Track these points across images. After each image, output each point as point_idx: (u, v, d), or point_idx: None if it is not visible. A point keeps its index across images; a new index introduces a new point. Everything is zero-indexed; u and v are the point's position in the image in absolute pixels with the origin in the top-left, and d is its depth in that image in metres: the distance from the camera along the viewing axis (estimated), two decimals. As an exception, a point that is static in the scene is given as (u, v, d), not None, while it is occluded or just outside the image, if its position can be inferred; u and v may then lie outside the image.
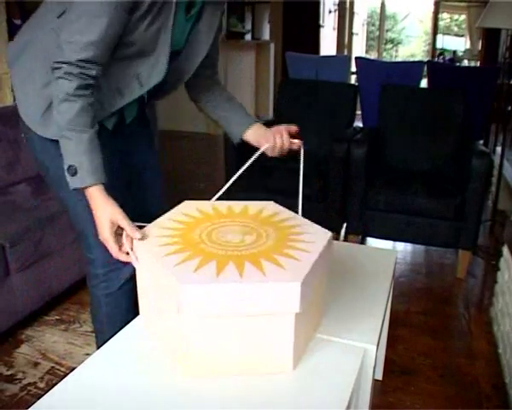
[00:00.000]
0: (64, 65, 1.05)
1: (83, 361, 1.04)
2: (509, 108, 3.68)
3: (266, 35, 7.51)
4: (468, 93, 3.03)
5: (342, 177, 2.73)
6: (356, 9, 10.08)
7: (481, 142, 3.66)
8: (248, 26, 7.22)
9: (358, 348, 1.11)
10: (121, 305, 1.43)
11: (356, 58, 4.56)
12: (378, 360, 1.45)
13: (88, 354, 1.60)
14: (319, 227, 1.17)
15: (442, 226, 2.59)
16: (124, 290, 1.41)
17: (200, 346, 0.96)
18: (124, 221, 1.08)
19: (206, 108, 1.45)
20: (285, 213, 1.25)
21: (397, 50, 17.19)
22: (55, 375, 1.81)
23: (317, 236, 1.12)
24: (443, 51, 10.40)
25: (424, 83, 4.56)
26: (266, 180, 2.85)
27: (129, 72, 1.20)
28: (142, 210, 1.43)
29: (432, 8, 10.26)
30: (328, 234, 1.13)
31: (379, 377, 1.78)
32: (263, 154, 1.35)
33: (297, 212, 1.26)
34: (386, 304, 1.38)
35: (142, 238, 1.07)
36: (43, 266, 2.08)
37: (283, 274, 0.95)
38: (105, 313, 1.45)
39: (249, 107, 6.72)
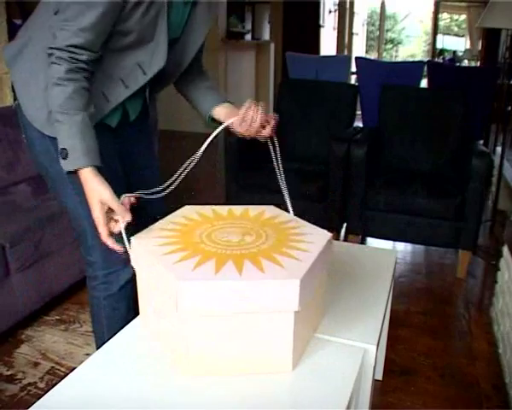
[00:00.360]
0: (55, 50, 1.06)
1: (83, 361, 1.04)
2: (509, 108, 3.68)
3: (266, 35, 7.51)
4: (468, 93, 3.03)
5: (342, 177, 2.73)
6: (356, 9, 10.08)
7: (481, 142, 3.66)
8: (248, 26, 7.22)
9: (358, 348, 1.11)
10: (121, 307, 1.43)
11: (356, 58, 4.56)
12: (378, 360, 1.45)
13: (88, 354, 1.60)
14: (319, 229, 1.17)
15: (442, 226, 2.59)
16: (123, 292, 1.41)
17: (199, 344, 0.96)
18: (113, 202, 1.09)
19: (183, 90, 1.44)
20: (285, 216, 1.25)
21: (397, 50, 17.19)
22: (55, 375, 1.81)
23: (316, 236, 1.12)
24: (443, 51, 10.41)
25: (424, 83, 4.56)
26: (264, 180, 2.85)
27: (131, 61, 1.20)
28: (143, 211, 1.43)
29: (432, 8, 10.26)
30: (328, 235, 1.13)
31: (379, 377, 1.78)
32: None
33: (295, 213, 1.26)
34: (386, 304, 1.38)
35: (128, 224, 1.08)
36: (43, 266, 2.08)
37: (282, 272, 0.95)
38: (104, 315, 1.45)
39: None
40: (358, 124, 3.73)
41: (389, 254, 1.72)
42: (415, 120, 3.05)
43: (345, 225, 2.85)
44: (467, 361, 1.96)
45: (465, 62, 10.09)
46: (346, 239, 2.83)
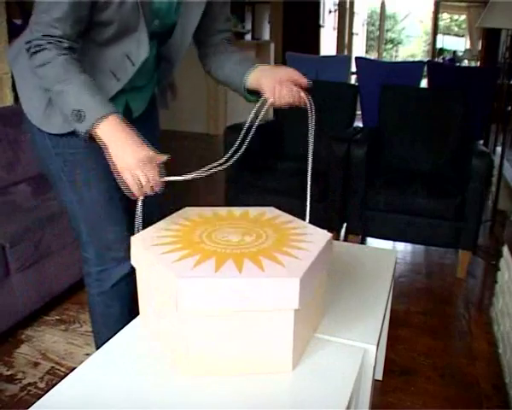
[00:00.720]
0: (33, 41, 1.06)
1: (83, 361, 1.04)
2: (509, 108, 3.68)
3: (266, 35, 7.51)
4: (468, 93, 3.03)
5: (342, 177, 2.73)
6: (356, 9, 10.08)
7: (481, 142, 3.66)
8: (248, 26, 7.23)
9: (358, 348, 1.11)
10: (114, 305, 1.44)
11: (356, 58, 4.56)
12: (378, 360, 1.45)
13: (88, 354, 1.61)
14: (319, 229, 1.17)
15: (442, 226, 2.59)
16: (116, 290, 1.42)
17: (199, 344, 0.96)
18: (150, 151, 1.07)
19: (215, 75, 1.38)
20: (285, 216, 1.25)
21: (397, 50, 17.20)
22: (55, 375, 1.81)
23: (317, 237, 1.12)
24: (442, 50, 10.41)
25: (424, 83, 4.56)
26: (263, 181, 2.86)
27: (118, 52, 1.19)
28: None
29: (432, 8, 10.26)
30: (329, 235, 1.13)
31: (379, 377, 1.78)
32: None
33: (295, 213, 1.26)
34: (387, 304, 1.38)
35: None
36: (43, 266, 2.08)
37: (283, 271, 0.95)
38: (98, 312, 1.47)
39: (249, 107, 6.72)
40: (358, 124, 3.73)
41: (389, 254, 1.72)
42: (415, 120, 3.05)
43: (345, 225, 2.85)
44: (467, 361, 1.96)
45: (465, 62, 10.09)
46: (346, 239, 2.83)
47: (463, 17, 13.12)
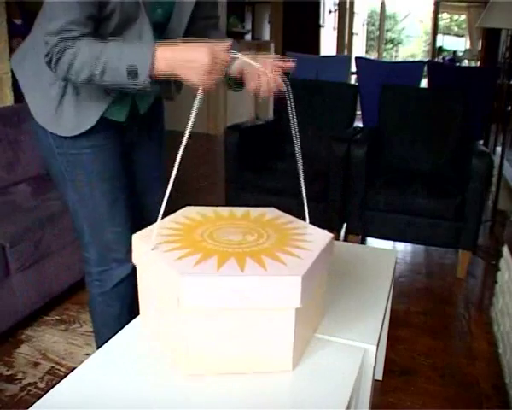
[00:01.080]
0: (52, 50, 1.05)
1: (83, 361, 1.04)
2: (509, 108, 3.68)
3: (266, 35, 7.51)
4: (468, 93, 3.03)
5: (342, 177, 2.73)
6: (356, 9, 10.09)
7: (481, 142, 3.66)
8: (248, 26, 7.23)
9: (358, 348, 1.11)
10: (114, 305, 1.44)
11: (356, 58, 4.56)
12: (378, 360, 1.45)
13: (88, 354, 1.61)
14: (320, 229, 1.17)
15: (442, 226, 2.59)
16: (117, 290, 1.42)
17: (200, 343, 0.96)
18: (212, 45, 1.04)
19: None
20: (286, 217, 1.25)
21: (397, 50, 17.20)
22: (55, 375, 1.81)
23: (318, 237, 1.12)
24: (442, 49, 10.42)
25: (424, 83, 4.56)
26: (263, 181, 2.85)
27: None
28: (141, 215, 1.43)
29: (432, 8, 10.27)
30: (330, 236, 1.13)
31: (379, 377, 1.78)
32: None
33: (295, 213, 1.26)
34: (387, 304, 1.38)
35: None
36: (43, 266, 2.08)
37: (284, 269, 0.95)
38: (99, 312, 1.47)
39: (249, 107, 6.73)
40: (358, 124, 3.73)
41: (389, 254, 1.72)
42: (415, 120, 3.05)
43: (345, 225, 2.85)
44: (467, 361, 1.96)
45: (465, 62, 10.10)
46: (346, 239, 2.83)
47: (463, 17, 13.12)
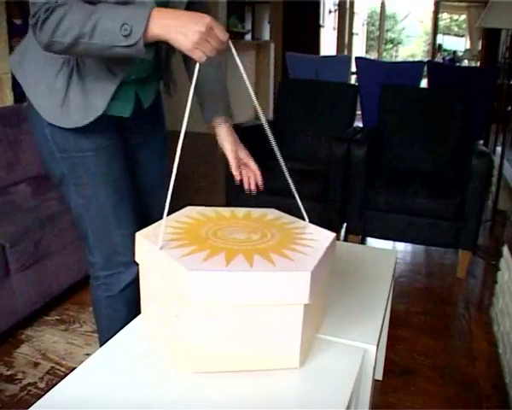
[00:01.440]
0: (40, 9, 0.99)
1: (83, 361, 1.04)
2: (509, 108, 3.68)
3: (266, 35, 7.51)
4: (468, 93, 3.03)
5: (342, 177, 2.73)
6: (356, 9, 10.09)
7: (481, 142, 3.66)
8: (248, 26, 7.23)
9: (358, 348, 1.11)
10: (121, 309, 1.42)
11: (356, 58, 4.56)
12: (378, 360, 1.45)
13: (88, 354, 1.60)
14: (322, 229, 1.17)
15: (442, 226, 2.59)
16: (124, 294, 1.40)
17: (207, 340, 0.96)
18: (206, 16, 1.01)
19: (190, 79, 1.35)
20: (287, 217, 1.26)
21: (397, 50, 17.21)
22: (55, 375, 1.81)
23: (321, 236, 1.13)
24: (441, 47, 10.43)
25: (424, 83, 4.56)
26: (265, 181, 2.85)
27: None
28: (145, 216, 1.43)
29: (432, 8, 10.26)
30: (333, 235, 1.14)
31: (379, 377, 1.78)
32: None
33: (295, 213, 1.26)
34: (387, 304, 1.38)
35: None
36: (43, 266, 2.08)
37: (293, 265, 0.96)
38: (105, 316, 1.45)
39: (249, 107, 6.72)
40: (358, 124, 3.74)
41: (389, 254, 1.72)
42: (415, 120, 3.05)
43: (345, 225, 2.85)
44: (467, 361, 1.96)
45: (465, 62, 10.10)
46: (346, 239, 2.83)
47: (463, 17, 13.13)
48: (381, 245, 2.86)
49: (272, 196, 2.82)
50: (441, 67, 4.78)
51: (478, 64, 8.74)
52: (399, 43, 17.51)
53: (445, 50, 11.08)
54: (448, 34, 14.34)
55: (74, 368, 1.02)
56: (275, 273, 0.92)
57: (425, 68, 4.21)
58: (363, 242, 2.93)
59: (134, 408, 0.91)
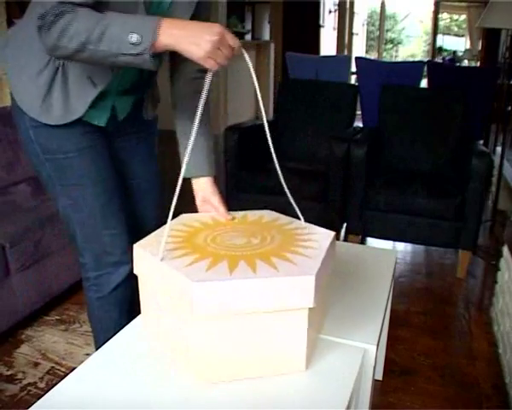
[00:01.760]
0: (49, 11, 0.98)
1: (83, 361, 1.04)
2: (509, 108, 3.68)
3: (266, 35, 7.52)
4: (468, 93, 3.03)
5: (342, 177, 2.73)
6: (356, 9, 10.09)
7: (481, 142, 3.66)
8: (248, 26, 7.23)
9: (358, 348, 1.11)
10: (112, 309, 1.41)
11: (356, 58, 4.56)
12: (378, 360, 1.45)
13: (88, 354, 1.61)
14: (320, 228, 1.17)
15: (442, 226, 2.59)
16: (115, 295, 1.39)
17: (213, 348, 0.95)
18: (215, 25, 1.02)
19: (176, 124, 1.40)
20: (284, 218, 1.25)
21: (397, 50, 17.21)
22: (55, 375, 1.81)
23: (320, 235, 1.12)
24: (441, 48, 10.43)
25: (424, 83, 4.56)
26: (262, 180, 2.85)
27: None
28: (134, 221, 1.42)
29: (432, 8, 10.26)
30: (332, 234, 1.13)
31: (379, 377, 1.78)
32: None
33: (294, 213, 1.26)
34: (387, 304, 1.38)
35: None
36: (43, 266, 2.08)
37: (296, 269, 0.95)
38: (97, 316, 1.44)
39: (249, 107, 6.73)
40: (358, 124, 3.73)
41: (389, 254, 1.72)
42: (415, 120, 3.05)
43: (345, 225, 2.85)
44: (467, 361, 1.96)
45: (465, 62, 10.10)
46: (346, 239, 2.83)
47: (463, 17, 13.13)
48: (381, 245, 2.86)
49: (273, 195, 2.82)
50: (441, 67, 4.78)
51: (478, 64, 8.74)
52: (399, 43, 17.51)
53: (445, 50, 11.07)
54: (448, 34, 14.35)
55: (74, 368, 1.02)
56: (279, 279, 0.92)
57: (425, 68, 4.21)
58: (363, 242, 2.93)
59: (134, 408, 0.91)
